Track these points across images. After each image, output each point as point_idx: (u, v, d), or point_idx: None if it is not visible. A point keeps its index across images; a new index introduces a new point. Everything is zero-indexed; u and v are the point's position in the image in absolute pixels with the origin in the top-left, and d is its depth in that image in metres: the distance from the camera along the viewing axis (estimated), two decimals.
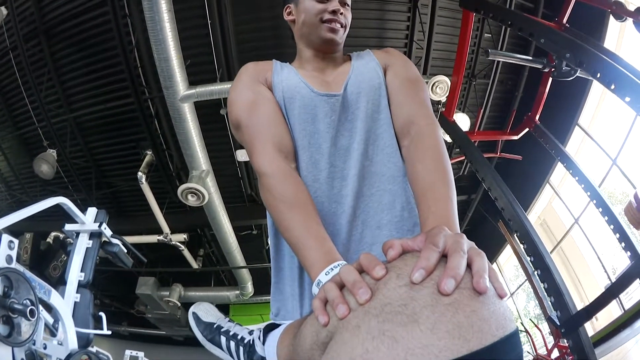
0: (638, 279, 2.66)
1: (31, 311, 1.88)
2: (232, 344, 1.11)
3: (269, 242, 1.20)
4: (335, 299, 0.57)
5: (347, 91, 1.23)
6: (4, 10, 6.09)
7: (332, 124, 1.18)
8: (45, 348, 2.31)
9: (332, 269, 0.82)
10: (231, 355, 1.11)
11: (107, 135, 7.74)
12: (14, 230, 2.04)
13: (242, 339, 1.10)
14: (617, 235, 3.66)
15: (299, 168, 1.14)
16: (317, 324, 0.60)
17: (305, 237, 0.90)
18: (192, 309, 1.28)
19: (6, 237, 1.90)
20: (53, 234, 8.09)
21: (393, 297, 0.52)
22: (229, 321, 1.22)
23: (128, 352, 7.15)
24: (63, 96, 7.18)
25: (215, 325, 1.20)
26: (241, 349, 1.08)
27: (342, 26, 1.30)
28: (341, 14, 1.30)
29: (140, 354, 7.25)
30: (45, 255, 7.72)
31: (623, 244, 3.53)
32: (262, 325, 1.03)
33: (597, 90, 7.13)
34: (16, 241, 1.97)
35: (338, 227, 1.11)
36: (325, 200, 1.13)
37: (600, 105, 7.54)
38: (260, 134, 1.12)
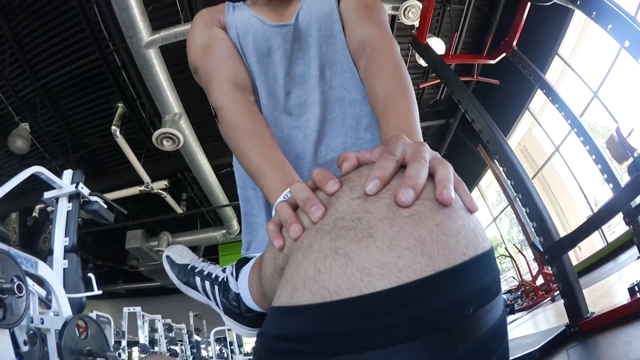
0: (620, 212, 2.69)
1: (18, 286, 1.86)
2: (207, 283, 1.06)
3: (235, 176, 1.19)
4: (287, 219, 0.53)
5: (298, 20, 1.18)
6: None
7: (286, 53, 1.15)
8: (42, 323, 2.30)
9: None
10: (207, 296, 1.06)
11: (76, 97, 7.58)
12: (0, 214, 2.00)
13: (217, 277, 1.04)
14: (599, 166, 3.67)
15: (258, 101, 1.14)
16: (274, 250, 0.57)
17: (262, 164, 0.87)
18: (165, 252, 1.25)
19: None
20: (38, 207, 8.01)
21: (346, 211, 0.46)
22: (202, 261, 1.16)
23: (125, 310, 7.25)
24: (27, 67, 6.97)
25: (189, 267, 1.14)
26: (216, 288, 1.03)
27: None
28: None
29: (138, 309, 7.37)
30: (33, 231, 7.66)
31: (605, 176, 3.55)
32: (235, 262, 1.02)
33: (579, 20, 7.04)
34: None
35: (301, 152, 1.09)
36: (285, 128, 1.12)
37: (581, 36, 7.45)
38: (215, 71, 1.11)
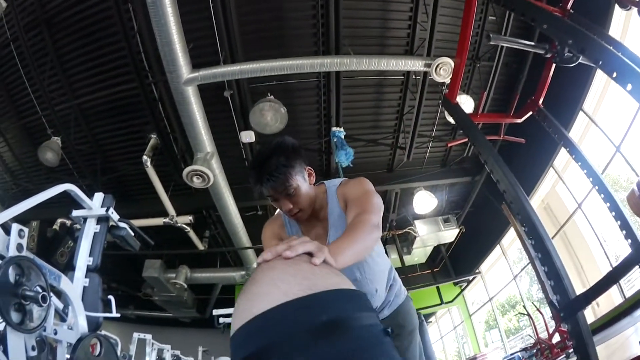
0: (638, 266, 2.67)
1: (43, 297, 1.90)
2: None
3: None
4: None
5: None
6: (3, 3, 6.08)
7: None
8: (55, 334, 2.35)
9: None
10: None
11: (111, 121, 7.80)
12: (20, 219, 2.07)
13: None
14: (619, 222, 3.66)
15: None
16: None
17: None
18: None
19: (16, 226, 1.93)
20: (59, 220, 8.13)
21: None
22: None
23: (136, 335, 7.24)
24: (66, 84, 7.23)
25: None
26: None
27: (299, 211, 1.75)
28: (291, 209, 1.73)
29: (148, 336, 7.35)
30: (51, 242, 7.75)
31: (624, 232, 3.54)
32: None
33: (602, 76, 7.06)
34: (26, 230, 2.00)
35: None
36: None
37: (605, 91, 7.47)
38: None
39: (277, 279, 0.73)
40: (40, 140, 7.78)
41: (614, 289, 5.72)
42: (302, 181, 1.73)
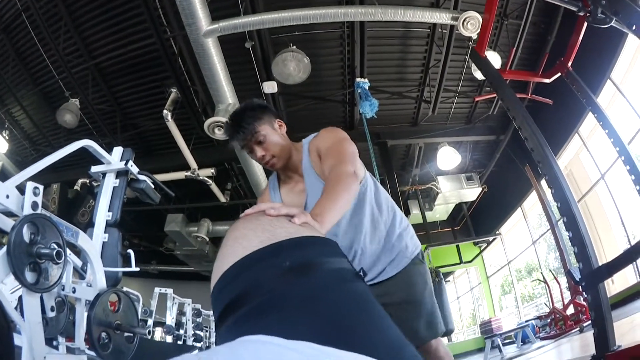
0: None
1: (58, 253, 1.87)
2: None
3: None
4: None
5: (307, 207, 1.86)
6: None
7: None
8: (74, 292, 2.36)
9: None
10: None
11: (129, 78, 7.80)
12: (41, 182, 2.05)
13: None
14: None
15: None
16: None
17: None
18: None
19: (31, 184, 1.92)
20: (80, 181, 8.24)
21: None
22: None
23: (157, 290, 7.40)
24: (82, 45, 7.22)
25: None
26: None
27: (272, 157, 1.86)
28: (264, 155, 1.85)
29: (169, 291, 7.50)
30: (73, 203, 7.85)
31: None
32: None
33: (632, 45, 6.81)
34: (41, 187, 1.98)
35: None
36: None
37: (634, 61, 7.19)
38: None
39: (239, 237, 0.74)
40: (58, 103, 7.85)
41: (629, 268, 5.60)
42: (271, 130, 1.87)
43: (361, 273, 0.64)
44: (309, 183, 1.86)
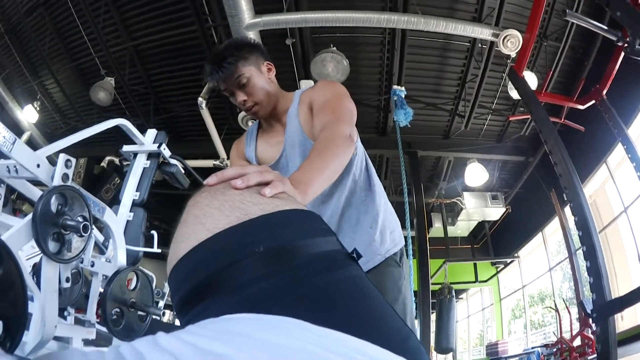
0: None
1: (84, 227, 1.86)
2: None
3: None
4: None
5: (281, 159, 1.69)
6: None
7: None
8: (92, 265, 2.36)
9: None
10: None
11: (167, 63, 7.90)
12: (69, 155, 2.06)
13: None
14: None
15: None
16: None
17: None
18: None
19: (64, 156, 1.93)
20: (108, 158, 8.33)
21: None
22: None
23: None
24: (122, 26, 7.32)
25: None
26: None
27: (254, 104, 1.63)
28: (245, 101, 1.60)
29: None
30: (98, 179, 7.91)
31: None
32: None
33: None
34: (73, 160, 1.99)
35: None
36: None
37: None
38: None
39: (202, 215, 0.61)
40: (93, 80, 7.94)
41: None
42: (257, 73, 1.64)
43: (354, 255, 0.49)
44: (289, 132, 1.64)
